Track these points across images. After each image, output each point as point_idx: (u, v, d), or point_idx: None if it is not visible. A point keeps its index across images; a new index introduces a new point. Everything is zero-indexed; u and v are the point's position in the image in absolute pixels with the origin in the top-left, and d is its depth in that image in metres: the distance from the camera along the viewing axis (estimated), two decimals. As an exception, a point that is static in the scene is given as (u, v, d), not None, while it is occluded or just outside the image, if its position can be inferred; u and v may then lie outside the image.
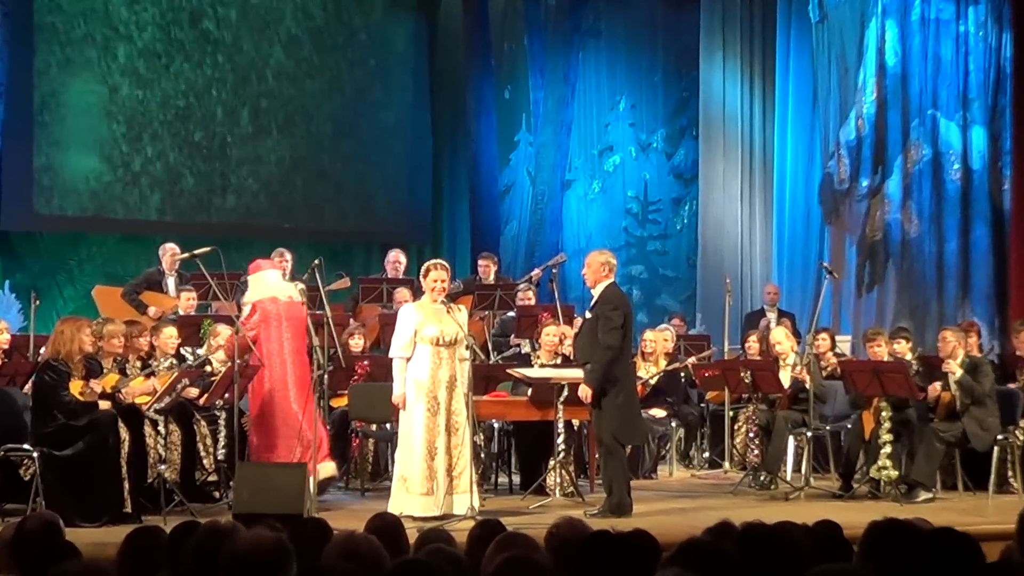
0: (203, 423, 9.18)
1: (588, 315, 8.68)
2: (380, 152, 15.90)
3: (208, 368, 9.51)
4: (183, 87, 14.47)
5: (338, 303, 12.64)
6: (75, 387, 8.15)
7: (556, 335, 10.14)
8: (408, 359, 8.29)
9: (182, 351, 9.90)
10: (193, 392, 9.14)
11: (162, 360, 9.18)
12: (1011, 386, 10.27)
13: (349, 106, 15.69)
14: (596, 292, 8.64)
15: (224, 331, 9.63)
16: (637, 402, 8.63)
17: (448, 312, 8.30)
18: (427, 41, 16.36)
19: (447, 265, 8.52)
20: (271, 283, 9.35)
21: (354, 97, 15.75)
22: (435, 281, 8.36)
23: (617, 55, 17.35)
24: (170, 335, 9.35)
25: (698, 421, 11.96)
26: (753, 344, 11.39)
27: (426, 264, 8.52)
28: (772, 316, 13.56)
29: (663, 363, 11.38)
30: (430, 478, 8.13)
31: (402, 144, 16.14)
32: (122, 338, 8.74)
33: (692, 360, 12.06)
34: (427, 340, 8.24)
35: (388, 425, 10.08)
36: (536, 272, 13.07)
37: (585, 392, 8.55)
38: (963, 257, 14.71)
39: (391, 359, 8.46)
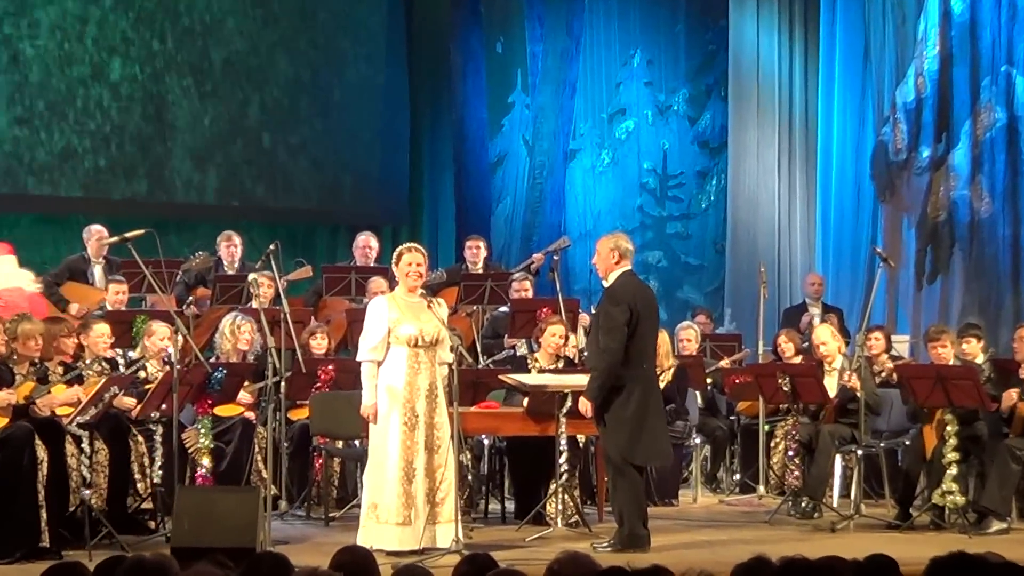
0: (141, 440, 9.17)
1: (594, 311, 8.71)
2: (347, 117, 15.86)
3: (142, 374, 9.49)
4: (114, 39, 14.41)
5: (298, 296, 12.63)
6: (-20, 399, 8.13)
7: (560, 335, 10.13)
8: (380, 363, 8.28)
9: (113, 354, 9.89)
10: (129, 402, 9.14)
11: (91, 363, 9.16)
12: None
13: (310, 62, 15.65)
14: (608, 282, 8.65)
15: (161, 330, 9.61)
16: (656, 415, 8.60)
17: (428, 307, 8.29)
18: (403, -17, 16.39)
19: (423, 249, 8.50)
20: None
21: (316, 51, 15.71)
22: (409, 266, 8.35)
23: (631, 1, 17.34)
24: (102, 333, 9.35)
25: (727, 437, 11.96)
26: (786, 344, 11.37)
27: (398, 248, 8.52)
28: (815, 312, 13.57)
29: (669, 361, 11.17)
30: (407, 505, 8.13)
31: (374, 107, 16.10)
32: (40, 339, 8.70)
33: (721, 364, 12.06)
34: (403, 340, 8.23)
35: (357, 442, 10.06)
36: (534, 259, 13.06)
37: (584, 406, 8.57)
38: (1044, 241, 14.76)
39: (359, 363, 8.45)
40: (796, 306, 14.28)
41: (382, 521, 8.14)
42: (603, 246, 8.70)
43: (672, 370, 10.96)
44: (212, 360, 9.87)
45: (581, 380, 8.80)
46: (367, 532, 8.16)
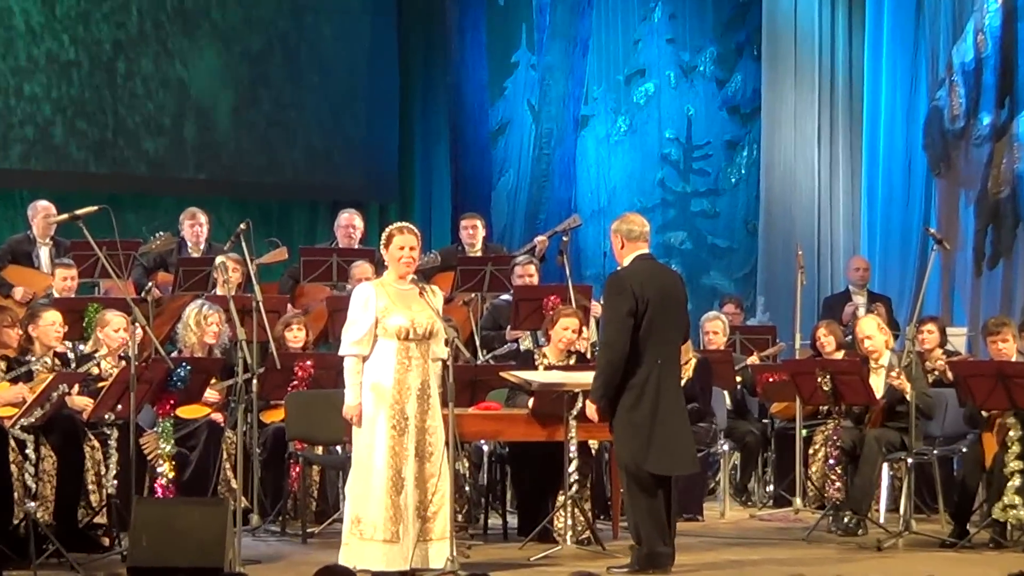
0: (95, 445, 9.16)
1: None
2: (328, 79, 15.83)
3: (95, 370, 9.48)
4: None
5: (272, 282, 12.62)
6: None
7: (574, 328, 10.10)
8: (365, 358, 8.27)
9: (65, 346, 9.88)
10: (83, 402, 9.13)
11: (39, 358, 9.15)
12: None
13: (285, 16, 15.63)
14: None
15: (116, 320, 9.58)
16: (674, 417, 8.57)
17: (420, 295, 8.28)
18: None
19: (416, 230, 8.48)
20: None
21: (291, 1, 15.68)
22: (401, 250, 8.33)
23: (651, -53, 17.36)
24: (52, 321, 9.35)
25: (759, 443, 11.94)
26: (826, 338, 11.35)
27: (388, 229, 8.49)
28: (860, 301, 13.55)
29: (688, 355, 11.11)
30: (395, 520, 8.12)
31: (358, 66, 16.08)
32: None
33: (752, 360, 12.03)
34: (391, 333, 8.22)
35: (339, 448, 10.04)
36: (540, 241, 13.03)
37: (589, 408, 8.60)
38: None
39: (342, 358, 8.43)
40: (838, 294, 14.26)
41: (366, 538, 8.12)
42: (613, 232, 8.77)
43: (692, 365, 10.91)
44: (174, 355, 9.84)
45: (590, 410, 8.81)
46: (350, 550, 8.14)
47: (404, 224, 8.53)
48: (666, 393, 8.57)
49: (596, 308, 11.36)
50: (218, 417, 9.97)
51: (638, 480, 8.48)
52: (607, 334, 8.49)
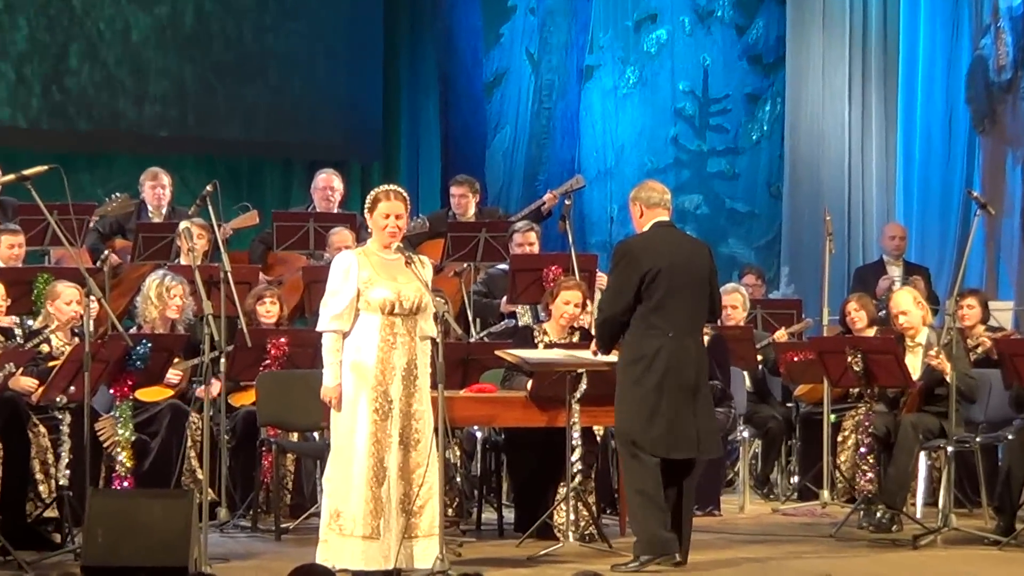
0: (43, 431, 9.18)
1: None
2: (304, 23, 15.82)
3: (45, 348, 9.50)
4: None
5: (242, 250, 12.63)
6: None
7: (576, 302, 10.12)
8: (346, 334, 8.29)
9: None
10: (28, 383, 9.15)
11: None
12: None
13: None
14: None
15: (68, 291, 9.60)
16: (686, 395, 8.64)
17: (407, 265, 8.29)
18: None
19: (404, 193, 8.49)
20: None
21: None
22: (386, 218, 8.34)
23: None
24: (-4, 293, 9.43)
25: (782, 429, 11.98)
26: (857, 313, 11.37)
27: (374, 192, 8.49)
28: (896, 272, 13.58)
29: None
30: (375, 514, 8.14)
31: (337, 9, 16.06)
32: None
33: (775, 337, 12.05)
34: (375, 306, 8.23)
35: (316, 434, 10.08)
36: (549, 198, 13.03)
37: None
38: None
39: (319, 335, 8.45)
40: (871, 264, 14.30)
41: (346, 533, 8.15)
42: (630, 200, 8.97)
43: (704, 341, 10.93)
44: (133, 331, 9.86)
45: (600, 357, 8.87)
46: (328, 548, 8.15)
47: (392, 187, 8.51)
48: (678, 370, 8.63)
49: (601, 280, 11.37)
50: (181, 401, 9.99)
51: (635, 458, 8.56)
52: (602, 299, 8.76)
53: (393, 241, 8.36)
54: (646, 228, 8.83)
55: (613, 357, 8.86)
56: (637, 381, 8.61)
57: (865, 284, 13.29)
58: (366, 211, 8.46)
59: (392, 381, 8.22)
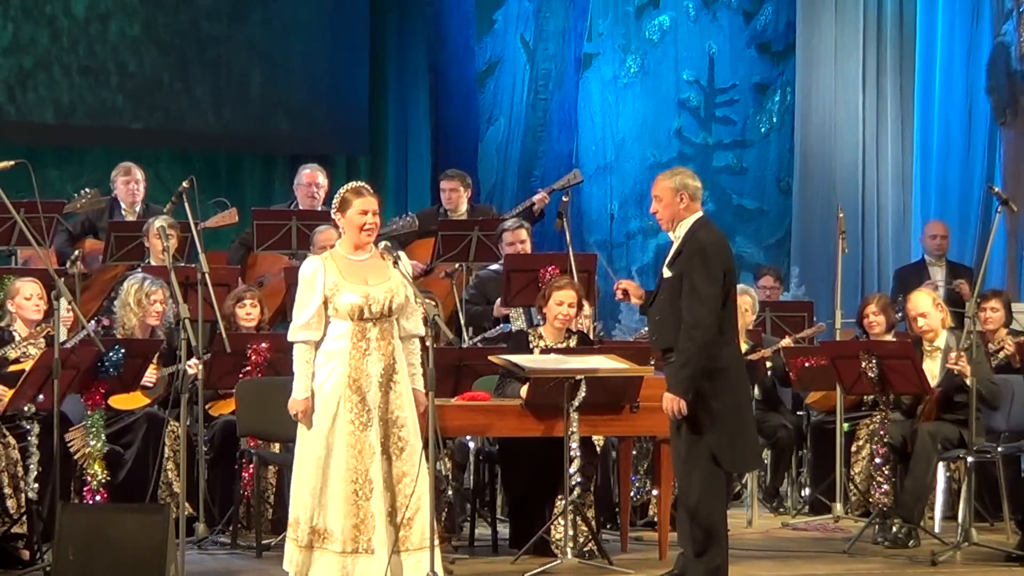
0: (12, 442, 9.18)
1: (667, 273, 8.47)
2: (286, 9, 15.82)
3: (11, 353, 9.50)
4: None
5: (220, 250, 12.63)
6: None
7: (570, 302, 10.12)
8: (318, 344, 8.25)
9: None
10: (-4, 391, 9.17)
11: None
12: None
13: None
14: (677, 235, 8.47)
15: (28, 286, 9.66)
16: (751, 406, 8.61)
17: (395, 266, 8.27)
18: None
19: (371, 190, 8.41)
20: None
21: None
22: (363, 215, 8.31)
23: None
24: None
25: (792, 439, 11.98)
26: (875, 316, 11.35)
27: (341, 192, 8.43)
28: (939, 274, 13.50)
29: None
30: (362, 528, 8.12)
31: (321, -2, 16.09)
32: None
33: (785, 342, 12.05)
34: (343, 313, 8.19)
35: (299, 445, 10.11)
36: (540, 198, 13.03)
37: (673, 404, 8.25)
38: None
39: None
40: (913, 265, 14.23)
41: (328, 548, 8.13)
42: (665, 187, 8.46)
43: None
44: (103, 334, 9.86)
45: (599, 362, 8.80)
46: (286, 556, 8.16)
47: (359, 184, 8.47)
48: (744, 379, 8.56)
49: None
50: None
51: (716, 480, 8.35)
52: (699, 313, 8.18)
53: (370, 242, 8.34)
54: (690, 223, 8.40)
55: (621, 364, 8.78)
56: (715, 396, 8.27)
57: (907, 286, 12.99)
58: (335, 212, 8.40)
59: (369, 389, 8.20)
